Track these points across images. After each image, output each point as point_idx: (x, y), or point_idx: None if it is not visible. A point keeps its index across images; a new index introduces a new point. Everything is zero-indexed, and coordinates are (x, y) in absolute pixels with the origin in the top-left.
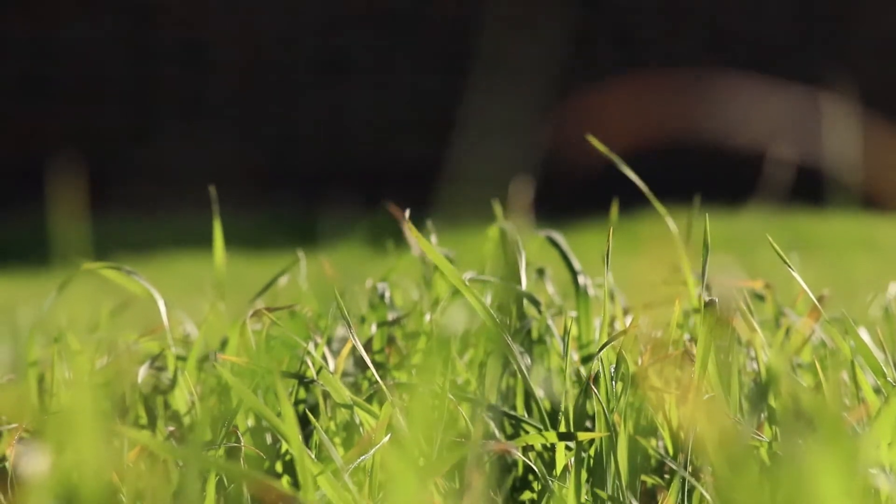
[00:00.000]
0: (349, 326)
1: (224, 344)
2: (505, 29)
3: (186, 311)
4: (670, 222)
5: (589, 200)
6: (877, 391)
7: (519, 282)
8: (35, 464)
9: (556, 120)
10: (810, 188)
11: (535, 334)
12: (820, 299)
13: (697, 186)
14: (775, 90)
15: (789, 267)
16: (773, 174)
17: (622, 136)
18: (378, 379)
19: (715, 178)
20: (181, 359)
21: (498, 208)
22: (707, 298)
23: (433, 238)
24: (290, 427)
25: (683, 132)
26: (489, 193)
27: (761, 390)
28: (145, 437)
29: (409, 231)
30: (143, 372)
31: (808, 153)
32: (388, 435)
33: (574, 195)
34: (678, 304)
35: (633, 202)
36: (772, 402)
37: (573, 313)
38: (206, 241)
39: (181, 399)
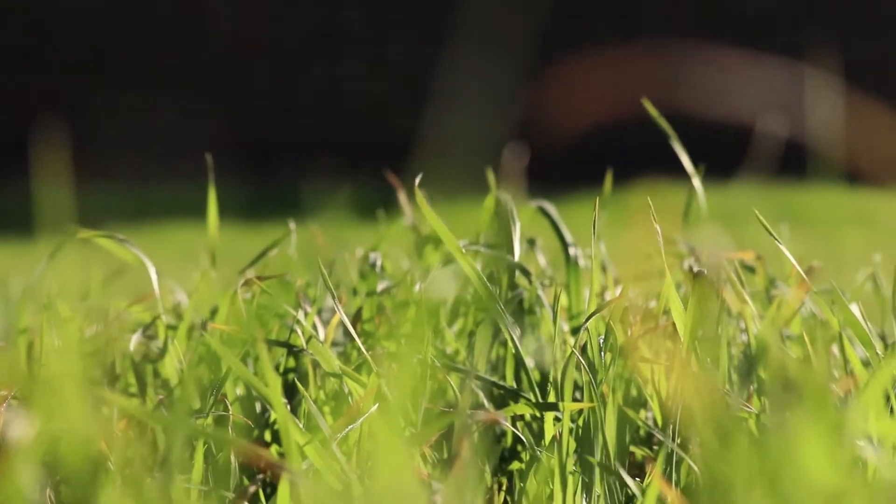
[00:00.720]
0: (333, 297)
1: (214, 313)
2: (489, 1)
3: (177, 280)
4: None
5: (577, 171)
6: (866, 363)
7: (512, 252)
8: (21, 430)
9: (537, 88)
10: (794, 162)
11: (525, 305)
12: (809, 271)
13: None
14: (758, 64)
15: (776, 240)
16: (760, 148)
17: (602, 107)
18: (363, 349)
19: (698, 150)
20: (171, 328)
21: (491, 177)
22: (696, 269)
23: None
24: (275, 393)
25: (666, 103)
26: (475, 163)
27: (750, 361)
28: (133, 404)
29: (405, 200)
30: (134, 340)
31: (792, 127)
32: (376, 404)
33: (561, 166)
34: (668, 275)
35: (621, 173)
36: (761, 373)
37: (562, 285)
38: (197, 211)
39: (171, 367)
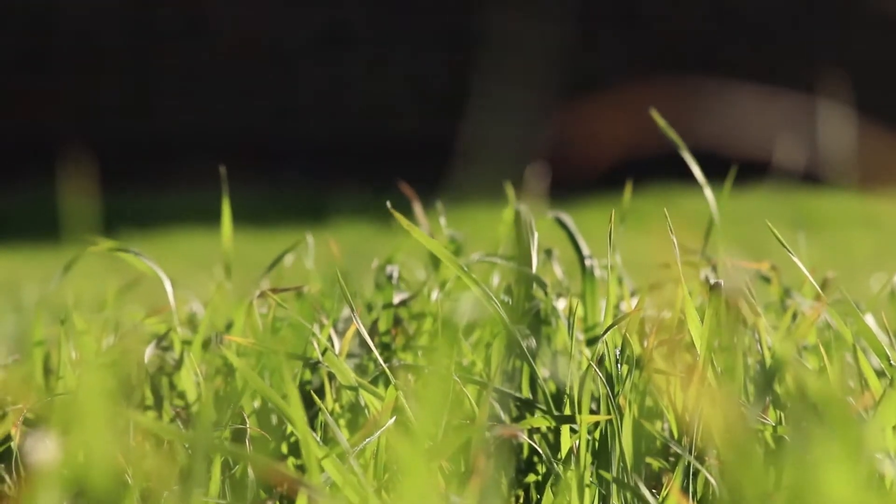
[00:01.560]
0: (352, 309)
1: (230, 325)
2: (508, 6)
3: (190, 287)
4: (709, 198)
5: (595, 180)
6: (881, 374)
7: (530, 264)
8: (42, 449)
9: (558, 122)
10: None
11: (542, 316)
12: (824, 281)
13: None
14: (771, 97)
15: (788, 251)
16: (774, 177)
17: (621, 143)
18: (381, 361)
19: (715, 180)
20: (187, 341)
21: (510, 191)
22: (713, 281)
23: (442, 219)
24: (296, 409)
25: (683, 137)
26: (493, 174)
27: (767, 376)
28: (150, 420)
29: (420, 211)
30: (149, 352)
31: (806, 156)
32: (394, 417)
33: (579, 178)
34: (682, 288)
35: (637, 182)
36: (777, 386)
37: (578, 295)
38: (206, 215)
39: (187, 380)
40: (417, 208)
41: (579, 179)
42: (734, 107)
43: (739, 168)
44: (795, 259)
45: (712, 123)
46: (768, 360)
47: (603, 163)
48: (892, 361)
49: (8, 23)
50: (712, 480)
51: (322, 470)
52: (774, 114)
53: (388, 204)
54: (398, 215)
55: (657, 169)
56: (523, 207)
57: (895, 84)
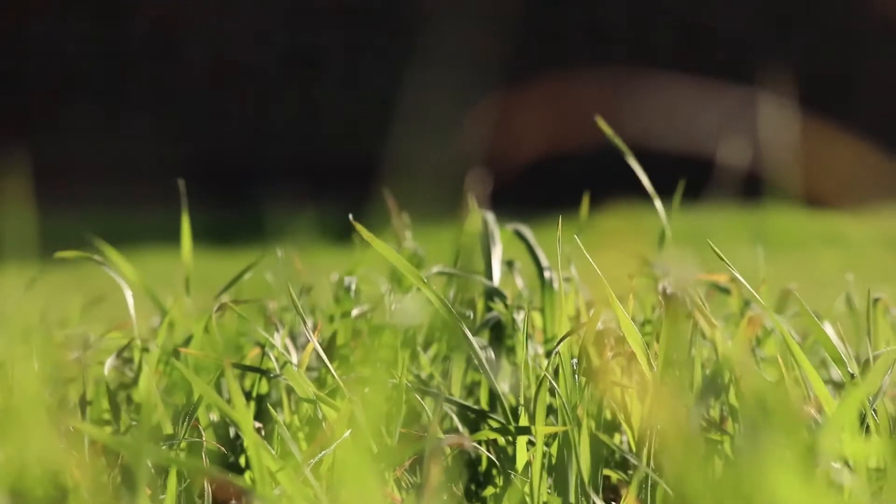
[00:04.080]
0: (304, 322)
1: (189, 338)
2: (466, 23)
3: (153, 305)
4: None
5: (543, 194)
6: (840, 385)
7: (490, 276)
8: None
9: (495, 112)
10: (753, 186)
11: (500, 328)
12: (785, 293)
13: (638, 186)
14: (709, 91)
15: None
16: (721, 174)
17: (554, 134)
18: (333, 373)
19: (658, 178)
20: (145, 351)
21: (471, 201)
22: (668, 293)
23: (407, 233)
24: (244, 419)
25: (622, 131)
26: (444, 186)
27: (714, 376)
28: (100, 432)
29: (399, 223)
30: (108, 366)
31: (749, 152)
32: (349, 430)
33: (528, 189)
34: (631, 300)
35: (597, 195)
36: (732, 398)
37: (536, 307)
38: (171, 236)
39: (144, 393)
40: (396, 222)
41: (500, 178)
42: (669, 101)
43: (681, 168)
44: (764, 266)
45: (643, 117)
46: (721, 363)
47: (523, 160)
48: (850, 370)
49: None
50: (669, 491)
51: (277, 482)
52: (714, 109)
53: (350, 216)
54: (360, 227)
55: (616, 181)
56: (485, 216)
57: (839, 82)
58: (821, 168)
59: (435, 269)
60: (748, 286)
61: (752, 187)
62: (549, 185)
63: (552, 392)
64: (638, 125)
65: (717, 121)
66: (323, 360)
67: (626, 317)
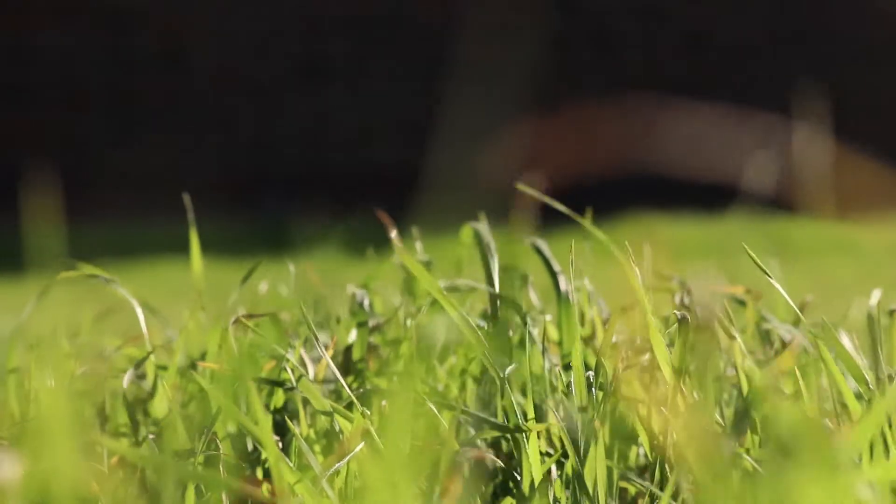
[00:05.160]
0: (315, 338)
1: (205, 351)
2: (483, 34)
3: (167, 317)
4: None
5: (571, 204)
6: (859, 397)
7: (493, 285)
8: (8, 471)
9: (504, 130)
10: (775, 204)
11: (516, 340)
12: (802, 305)
13: (657, 200)
14: (747, 118)
15: (767, 274)
16: (743, 201)
17: (586, 159)
18: (345, 386)
19: (686, 202)
20: (162, 367)
21: (483, 218)
22: (686, 305)
23: (418, 245)
24: (265, 432)
25: (654, 158)
26: (468, 199)
27: (745, 407)
28: (122, 445)
29: (397, 237)
30: (126, 379)
31: (774, 180)
32: (363, 442)
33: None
34: (649, 312)
35: (613, 206)
36: (754, 413)
37: (548, 317)
38: (184, 247)
39: (161, 407)
40: (394, 234)
41: (532, 201)
42: (702, 127)
43: (709, 192)
44: (775, 283)
45: (675, 144)
46: (745, 386)
47: (555, 182)
48: (869, 384)
49: None
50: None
51: (295, 494)
52: (746, 135)
53: (394, 234)
54: (401, 252)
55: (635, 195)
56: (483, 228)
57: (872, 108)
58: (852, 195)
59: (443, 283)
60: (791, 302)
61: (779, 203)
62: (569, 199)
63: (567, 401)
64: (664, 150)
65: (747, 147)
66: (342, 371)
67: (658, 338)
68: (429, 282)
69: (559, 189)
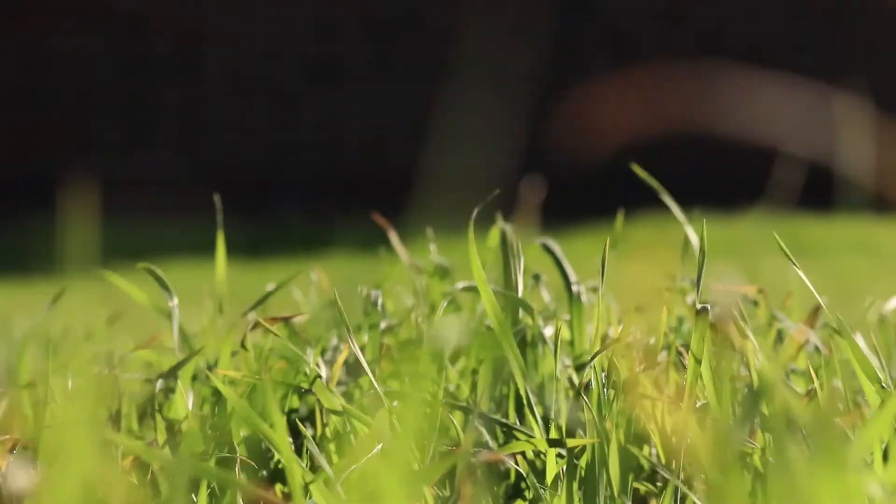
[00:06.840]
0: (350, 333)
1: (221, 354)
2: (492, 36)
3: (183, 319)
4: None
5: (583, 203)
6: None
7: (514, 288)
8: (26, 477)
9: (548, 121)
10: (820, 189)
11: (528, 340)
12: (817, 306)
13: (701, 186)
14: (787, 86)
15: (798, 269)
16: (783, 175)
17: (617, 133)
18: (374, 381)
19: (719, 176)
20: (175, 369)
21: (498, 214)
22: (701, 305)
23: (432, 246)
24: (280, 436)
25: (684, 126)
26: (479, 198)
27: (753, 399)
28: (137, 445)
29: (397, 240)
30: (143, 382)
31: (818, 153)
32: (380, 444)
33: (568, 199)
34: (664, 312)
35: (628, 205)
36: (764, 409)
37: (566, 317)
38: (198, 249)
39: (178, 410)
40: (393, 237)
41: (582, 170)
42: (748, 94)
43: (743, 171)
44: (802, 276)
45: (717, 112)
46: (755, 383)
47: (605, 151)
48: (882, 384)
49: (3, 61)
50: None
51: (309, 495)
52: (787, 105)
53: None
54: (391, 247)
55: (653, 173)
56: (508, 229)
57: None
58: (894, 173)
59: (460, 285)
60: (823, 303)
61: (822, 190)
62: (577, 197)
63: (580, 402)
64: (708, 119)
65: (789, 119)
66: (350, 375)
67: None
68: (479, 279)
69: (599, 168)
